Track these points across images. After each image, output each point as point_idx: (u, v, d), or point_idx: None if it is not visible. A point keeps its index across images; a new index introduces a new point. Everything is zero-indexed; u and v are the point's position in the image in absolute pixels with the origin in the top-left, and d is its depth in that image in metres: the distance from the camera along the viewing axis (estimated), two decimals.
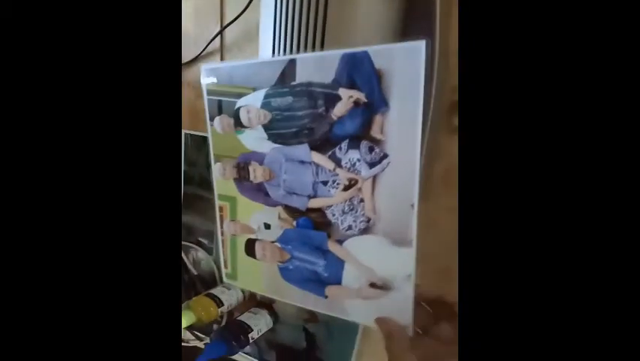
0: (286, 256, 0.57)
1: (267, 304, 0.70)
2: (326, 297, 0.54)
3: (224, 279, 0.68)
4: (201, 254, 0.76)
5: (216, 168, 0.62)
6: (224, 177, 0.61)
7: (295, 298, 0.58)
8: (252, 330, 0.67)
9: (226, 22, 0.68)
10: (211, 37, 0.69)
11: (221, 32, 0.68)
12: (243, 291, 0.71)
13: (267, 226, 0.59)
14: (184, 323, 0.68)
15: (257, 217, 0.60)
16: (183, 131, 0.77)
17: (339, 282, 0.53)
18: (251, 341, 0.67)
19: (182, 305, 0.76)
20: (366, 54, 0.44)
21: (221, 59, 0.70)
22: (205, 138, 0.69)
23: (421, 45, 0.40)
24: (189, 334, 0.75)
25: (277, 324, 0.70)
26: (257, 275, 0.62)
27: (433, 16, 0.59)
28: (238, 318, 0.68)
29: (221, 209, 0.64)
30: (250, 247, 0.61)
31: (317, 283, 0.55)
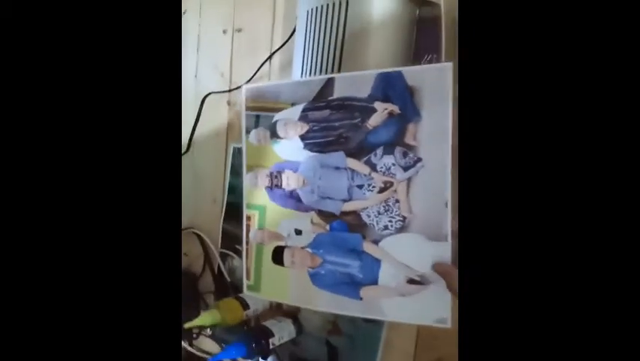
0: (317, 261, 0.60)
1: (292, 314, 0.72)
2: (361, 299, 0.57)
3: (245, 291, 0.69)
4: (237, 262, 0.79)
5: (248, 178, 0.66)
6: (255, 186, 0.65)
7: (326, 304, 0.60)
8: (274, 336, 0.67)
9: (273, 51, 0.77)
10: (260, 64, 0.78)
11: (269, 59, 0.78)
12: None
13: (298, 232, 0.62)
14: (208, 322, 0.69)
15: (287, 224, 0.63)
16: (232, 145, 0.82)
17: (375, 282, 0.56)
18: (271, 346, 0.67)
19: (211, 305, 0.78)
20: (400, 74, 0.51)
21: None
22: None
23: (448, 66, 0.47)
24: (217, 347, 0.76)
25: (300, 336, 0.71)
26: (282, 284, 0.64)
27: (439, 40, 0.65)
28: (262, 323, 0.70)
29: (248, 218, 0.67)
30: (278, 255, 0.64)
31: (351, 286, 0.57)
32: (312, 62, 0.64)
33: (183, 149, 0.89)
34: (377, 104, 0.52)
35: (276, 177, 0.62)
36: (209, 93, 0.85)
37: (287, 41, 0.74)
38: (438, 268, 0.50)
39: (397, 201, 0.53)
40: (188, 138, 0.88)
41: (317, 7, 0.62)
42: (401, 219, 0.53)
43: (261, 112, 0.63)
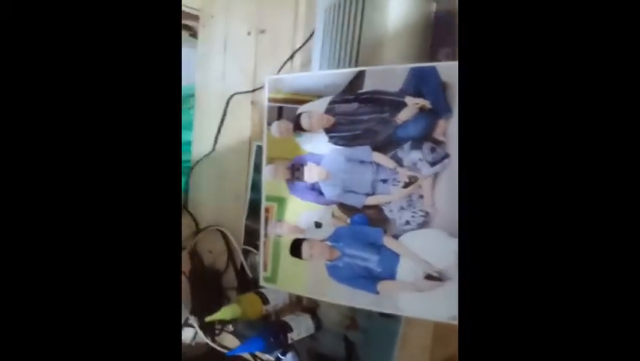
0: (336, 254, 0.60)
1: (311, 310, 0.72)
2: (377, 293, 0.57)
3: (262, 282, 0.70)
4: (258, 258, 0.78)
5: (268, 170, 0.67)
6: (275, 179, 0.66)
7: (342, 297, 0.60)
8: (292, 331, 0.67)
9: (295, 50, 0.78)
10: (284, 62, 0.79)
11: (291, 58, 0.79)
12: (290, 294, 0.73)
13: (318, 225, 0.62)
14: (229, 316, 0.69)
15: (306, 217, 0.63)
16: (255, 143, 0.84)
17: (392, 277, 0.56)
18: (290, 341, 0.67)
19: (234, 299, 0.78)
20: (434, 69, 0.51)
21: None
22: None
23: None
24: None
25: (318, 331, 0.71)
26: (300, 276, 0.64)
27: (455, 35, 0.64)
28: (281, 318, 0.70)
29: (267, 210, 0.68)
30: (296, 247, 0.64)
31: (368, 280, 0.58)
32: (330, 58, 0.64)
33: (209, 148, 0.91)
34: (408, 99, 0.52)
35: (297, 169, 0.63)
36: (235, 94, 0.87)
37: (307, 40, 0.75)
38: None
39: (421, 196, 0.53)
40: (213, 137, 0.91)
41: (335, 4, 0.62)
42: (424, 214, 0.53)
43: (284, 104, 0.63)
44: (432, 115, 0.51)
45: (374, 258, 0.57)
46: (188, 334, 0.85)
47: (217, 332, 0.79)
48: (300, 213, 0.64)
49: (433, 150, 0.52)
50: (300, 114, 0.61)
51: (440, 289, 0.52)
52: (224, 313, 0.69)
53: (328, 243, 0.61)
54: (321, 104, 0.59)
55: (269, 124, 0.65)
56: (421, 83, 0.51)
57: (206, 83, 0.95)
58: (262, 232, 0.69)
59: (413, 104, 0.52)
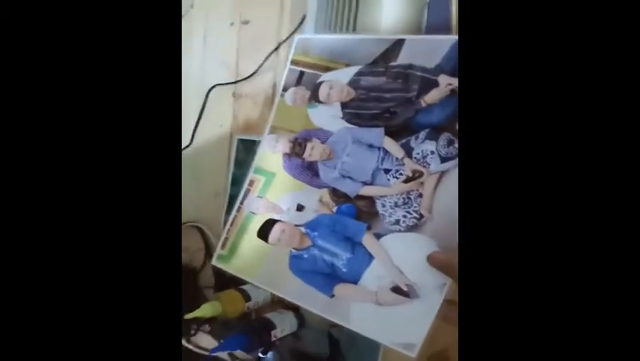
0: (306, 242, 0.53)
1: (293, 307, 0.66)
2: (332, 296, 0.49)
3: (214, 262, 0.62)
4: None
5: (268, 140, 0.60)
6: (274, 150, 0.59)
7: (293, 293, 0.53)
8: (276, 328, 0.61)
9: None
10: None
11: (276, 50, 0.75)
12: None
13: (300, 208, 0.55)
14: (209, 313, 0.62)
15: (291, 197, 0.57)
16: (236, 137, 0.81)
17: (356, 280, 0.48)
18: (273, 339, 0.61)
19: (213, 296, 0.72)
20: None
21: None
22: (254, 142, 0.73)
23: None
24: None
25: (301, 329, 0.65)
26: (257, 262, 0.57)
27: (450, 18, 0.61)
28: (263, 315, 0.64)
29: (251, 183, 0.61)
30: (266, 229, 0.56)
31: (327, 279, 0.50)
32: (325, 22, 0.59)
33: (186, 142, 0.87)
34: (442, 78, 0.46)
35: (300, 144, 0.56)
36: (214, 86, 0.84)
37: (294, 32, 0.72)
38: (434, 260, 0.43)
39: (420, 195, 0.46)
40: (191, 131, 0.86)
41: None
42: (417, 216, 0.46)
43: (308, 69, 0.57)
44: None
45: (345, 255, 0.49)
46: None
47: (192, 332, 0.71)
48: (284, 192, 0.57)
49: (449, 143, 0.45)
50: (320, 82, 0.55)
51: (402, 308, 0.44)
52: (205, 310, 0.63)
53: (303, 229, 0.54)
54: (346, 74, 0.53)
55: (284, 89, 0.59)
56: None
57: (185, 74, 0.91)
58: (237, 205, 0.61)
59: (445, 84, 0.46)
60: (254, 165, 0.62)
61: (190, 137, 0.86)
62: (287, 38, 0.74)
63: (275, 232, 0.56)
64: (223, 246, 0.62)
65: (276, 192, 0.59)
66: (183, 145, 0.85)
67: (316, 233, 0.53)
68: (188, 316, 0.63)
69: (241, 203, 0.61)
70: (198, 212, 0.85)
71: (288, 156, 0.58)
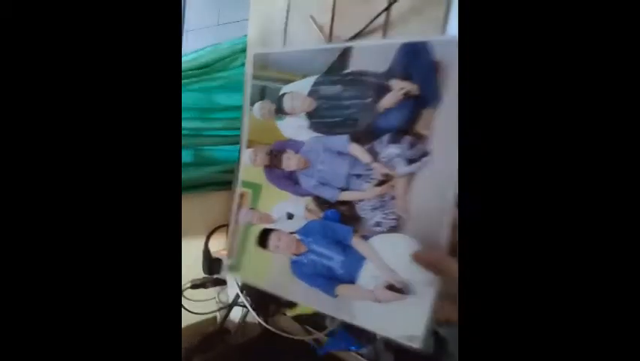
0: (302, 248, 0.56)
1: None
2: (335, 296, 0.52)
3: (227, 270, 0.65)
4: None
5: (247, 154, 0.62)
6: (254, 164, 0.61)
7: (301, 295, 0.56)
8: None
9: None
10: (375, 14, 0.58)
11: (387, 9, 0.57)
12: None
13: (290, 216, 0.58)
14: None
15: (280, 207, 0.59)
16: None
17: (353, 281, 0.51)
18: (378, 337, 0.60)
19: None
20: (426, 45, 0.44)
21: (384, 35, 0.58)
22: None
23: None
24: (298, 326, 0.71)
25: None
26: (263, 269, 0.60)
27: None
28: None
29: (241, 196, 0.64)
30: (264, 237, 0.60)
31: (328, 281, 0.53)
32: None
33: None
34: (393, 82, 0.46)
35: (275, 156, 0.58)
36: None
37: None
38: (418, 258, 0.45)
39: (394, 197, 0.48)
40: None
41: None
42: (395, 217, 0.48)
43: (269, 82, 0.58)
44: (418, 103, 0.45)
45: (338, 258, 0.52)
46: (237, 313, 0.81)
47: (271, 312, 0.72)
48: (274, 202, 0.60)
49: (412, 145, 0.46)
50: (282, 95, 0.56)
51: (399, 303, 0.47)
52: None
53: (297, 236, 0.56)
54: (306, 85, 0.54)
55: (252, 104, 0.61)
56: (411, 62, 0.45)
57: None
58: (233, 218, 0.64)
59: (398, 88, 0.46)
60: (240, 178, 0.64)
61: None
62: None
63: (272, 240, 0.59)
64: (230, 255, 0.65)
65: (265, 202, 0.61)
66: None
67: (310, 239, 0.55)
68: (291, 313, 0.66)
69: (236, 215, 0.64)
70: None
71: (268, 167, 0.60)
